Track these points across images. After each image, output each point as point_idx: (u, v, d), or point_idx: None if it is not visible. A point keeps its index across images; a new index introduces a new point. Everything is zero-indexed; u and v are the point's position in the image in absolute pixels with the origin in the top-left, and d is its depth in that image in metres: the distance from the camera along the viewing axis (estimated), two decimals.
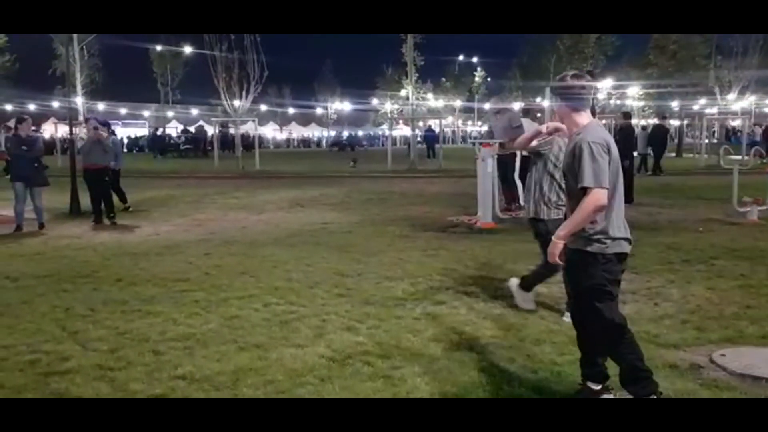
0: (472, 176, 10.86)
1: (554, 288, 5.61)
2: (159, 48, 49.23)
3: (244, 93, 27.78)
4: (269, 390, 3.70)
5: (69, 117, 13.51)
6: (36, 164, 9.86)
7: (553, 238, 3.26)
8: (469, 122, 66.06)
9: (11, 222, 9.83)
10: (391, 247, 8.18)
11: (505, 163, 10.52)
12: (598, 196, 3.06)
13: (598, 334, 3.29)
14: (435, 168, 23.87)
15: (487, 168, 9.56)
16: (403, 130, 41.95)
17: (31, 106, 40.53)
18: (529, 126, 9.65)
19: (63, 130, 29.90)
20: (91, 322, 5.03)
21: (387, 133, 35.46)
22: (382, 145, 39.58)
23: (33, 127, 11.76)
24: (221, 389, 3.72)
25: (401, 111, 38.29)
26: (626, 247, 3.25)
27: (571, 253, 3.28)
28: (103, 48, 40.24)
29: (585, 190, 3.08)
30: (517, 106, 21.77)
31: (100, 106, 41.86)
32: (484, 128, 23.26)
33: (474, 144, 12.49)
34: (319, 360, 4.17)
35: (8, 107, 40.15)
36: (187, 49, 42.76)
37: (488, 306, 5.38)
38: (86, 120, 11.14)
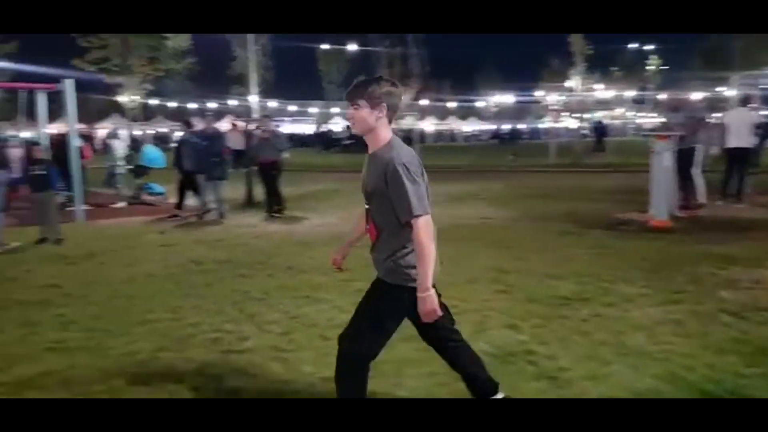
0: (644, 171, 10.18)
1: (740, 294, 5.11)
2: (325, 47, 51.50)
3: (405, 88, 28.33)
4: (430, 382, 3.72)
5: (243, 115, 14.62)
6: (216, 158, 10.71)
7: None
8: (642, 114, 62.20)
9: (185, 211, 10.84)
10: (554, 244, 7.89)
11: (686, 157, 9.74)
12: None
13: None
14: (602, 162, 22.71)
15: (663, 162, 8.91)
16: (567, 123, 40.43)
17: (211, 104, 44.12)
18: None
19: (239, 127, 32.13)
20: (265, 305, 5.36)
21: (550, 125, 34.39)
22: (545, 138, 38.41)
23: (215, 125, 12.77)
24: (386, 376, 3.79)
25: (566, 102, 36.97)
26: None
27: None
28: (274, 49, 42.91)
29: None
30: (696, 96, 20.10)
31: (272, 103, 44.59)
32: (661, 120, 21.74)
33: (647, 137, 11.69)
34: (480, 356, 4.11)
35: (190, 105, 44.13)
36: (351, 47, 44.33)
37: (665, 310, 5.00)
38: (264, 117, 11.89)
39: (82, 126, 14.14)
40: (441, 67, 51.19)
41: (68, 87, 10.68)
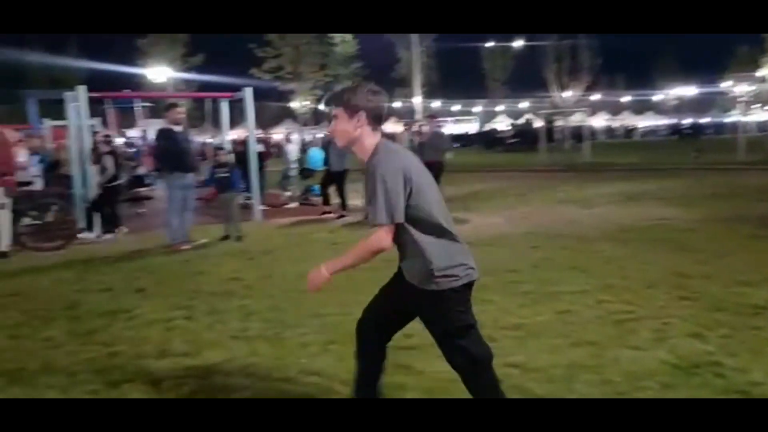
0: None
1: None
2: (490, 45, 51.00)
3: (574, 83, 27.24)
4: (606, 390, 3.51)
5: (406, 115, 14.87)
6: None
7: None
8: None
9: (354, 210, 11.17)
10: (744, 248, 7.16)
11: None
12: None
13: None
14: None
15: None
16: (758, 116, 36.62)
17: None
18: None
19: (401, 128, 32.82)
20: None
21: (738, 118, 31.32)
22: (732, 132, 35.02)
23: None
24: (555, 382, 3.64)
25: (757, 93, 33.48)
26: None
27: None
28: (438, 49, 43.28)
29: None
30: None
31: (435, 104, 45.04)
32: None
33: None
34: (660, 365, 3.82)
35: None
36: (517, 43, 43.51)
37: None
38: (428, 117, 12.01)
39: (260, 131, 15.12)
40: (614, 60, 48.62)
41: (247, 95, 11.50)
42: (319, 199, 12.60)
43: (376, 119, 2.82)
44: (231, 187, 9.32)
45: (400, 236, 2.84)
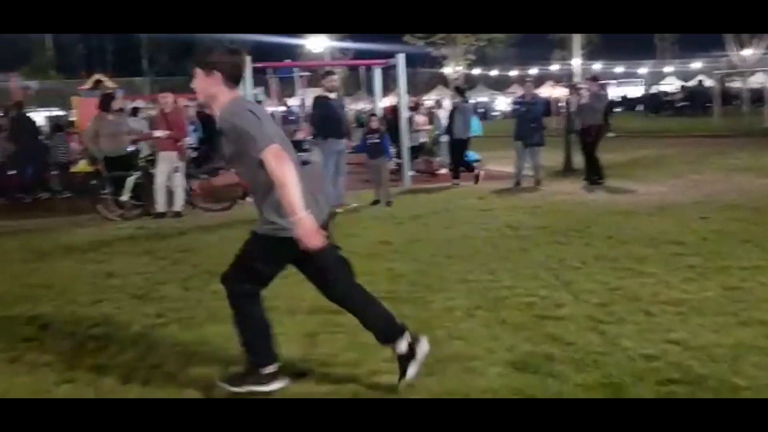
0: None
1: None
2: None
3: (755, 40, 24.51)
4: None
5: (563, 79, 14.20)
6: (533, 125, 10.59)
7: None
8: None
9: (507, 178, 10.92)
10: None
11: None
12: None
13: None
14: None
15: None
16: None
17: (532, 71, 43.97)
18: None
19: (560, 92, 31.51)
20: (582, 274, 5.16)
21: None
22: None
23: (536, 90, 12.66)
24: (719, 362, 3.34)
25: None
26: None
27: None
28: None
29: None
30: None
31: (596, 66, 42.71)
32: None
33: None
34: None
35: (512, 72, 44.52)
36: None
37: None
38: (594, 78, 11.38)
39: (412, 98, 15.18)
40: None
41: (399, 61, 11.56)
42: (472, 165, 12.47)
43: (232, 78, 3.02)
44: (382, 152, 9.48)
45: (255, 183, 3.02)
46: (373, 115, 10.69)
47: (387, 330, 3.30)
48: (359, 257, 6.03)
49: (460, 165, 11.64)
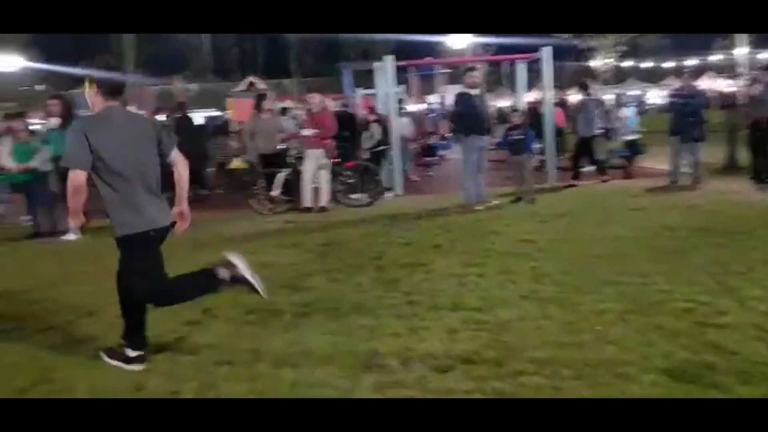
0: None
1: None
2: None
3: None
4: None
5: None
6: (692, 119, 9.85)
7: None
8: None
9: (660, 175, 10.24)
10: None
11: None
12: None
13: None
14: None
15: None
16: None
17: (689, 62, 41.09)
18: None
19: (720, 84, 29.16)
20: (748, 280, 4.73)
21: None
22: None
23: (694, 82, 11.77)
24: None
25: None
26: None
27: None
28: None
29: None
30: None
31: (764, 55, 39.06)
32: None
33: None
34: None
35: (666, 64, 41.77)
36: None
37: None
38: (764, 68, 10.38)
39: (556, 93, 14.70)
40: None
41: (545, 55, 11.23)
42: (620, 161, 11.89)
43: (107, 90, 3.57)
44: (525, 149, 9.27)
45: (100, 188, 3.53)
46: (516, 110, 10.47)
47: (207, 286, 3.82)
48: (500, 255, 5.96)
49: (591, 164, 11.09)
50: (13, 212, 9.76)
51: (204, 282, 3.78)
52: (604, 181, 10.83)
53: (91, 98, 3.60)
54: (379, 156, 10.89)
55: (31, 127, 9.12)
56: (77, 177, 3.37)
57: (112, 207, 3.52)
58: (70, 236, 8.02)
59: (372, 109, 11.61)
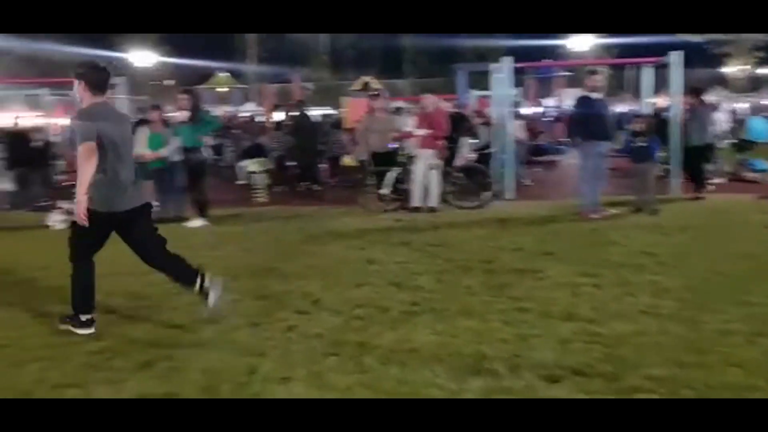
0: None
1: None
2: None
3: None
4: None
5: None
6: None
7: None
8: None
9: None
10: None
11: None
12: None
13: None
14: None
15: None
16: None
17: None
18: None
19: None
20: None
21: None
22: None
23: None
24: None
25: None
26: None
27: None
28: None
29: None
30: None
31: None
32: None
33: None
34: None
35: None
36: None
37: None
38: None
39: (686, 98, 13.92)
40: None
41: (675, 59, 10.64)
42: (756, 175, 11.04)
43: (93, 86, 4.09)
44: (648, 157, 8.83)
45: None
46: (639, 116, 9.98)
47: (187, 278, 4.33)
48: (617, 266, 5.70)
49: (696, 175, 10.26)
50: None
51: (188, 274, 4.35)
52: (698, 198, 9.93)
53: (80, 93, 4.11)
54: (486, 158, 10.74)
55: (165, 119, 9.63)
56: (91, 146, 3.89)
57: (99, 186, 3.98)
58: (196, 222, 8.48)
59: (480, 112, 11.45)
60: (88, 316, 4.27)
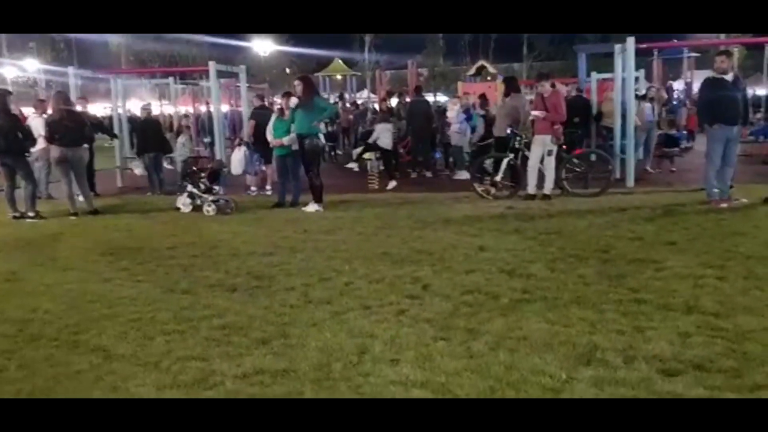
0: None
1: None
2: None
3: None
4: None
5: None
6: None
7: None
8: None
9: None
10: None
11: None
12: None
13: None
14: None
15: None
16: None
17: None
18: None
19: None
20: None
21: None
22: None
23: None
24: None
25: None
26: None
27: None
28: None
29: None
30: None
31: None
32: None
33: None
34: None
35: None
36: None
37: None
38: None
39: None
40: None
41: None
42: None
43: None
44: None
45: None
46: None
47: None
48: (745, 258, 5.37)
49: None
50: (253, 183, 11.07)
51: None
52: None
53: None
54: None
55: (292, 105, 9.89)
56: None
57: None
58: (311, 208, 8.79)
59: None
60: None
